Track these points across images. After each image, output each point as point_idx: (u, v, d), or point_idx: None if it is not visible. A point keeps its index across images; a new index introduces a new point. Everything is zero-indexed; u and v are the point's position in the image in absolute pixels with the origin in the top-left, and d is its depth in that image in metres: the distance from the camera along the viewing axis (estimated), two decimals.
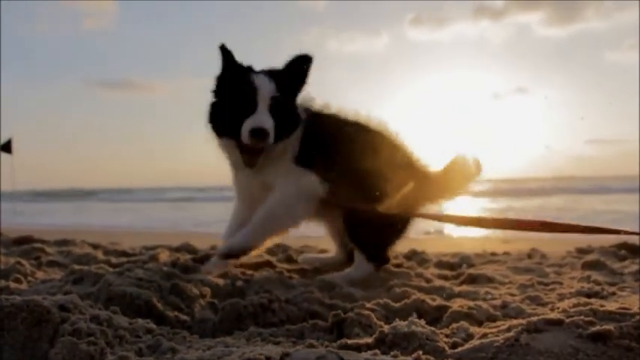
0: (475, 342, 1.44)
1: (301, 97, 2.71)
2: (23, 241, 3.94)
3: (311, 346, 1.47)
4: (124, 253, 3.58)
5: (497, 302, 2.06)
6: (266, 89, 2.52)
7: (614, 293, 2.12)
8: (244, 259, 2.85)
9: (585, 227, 1.76)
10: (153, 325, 1.71)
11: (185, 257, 3.06)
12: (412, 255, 3.41)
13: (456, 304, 1.96)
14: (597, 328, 1.40)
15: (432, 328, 1.52)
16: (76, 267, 2.40)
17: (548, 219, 1.84)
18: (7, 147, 10.69)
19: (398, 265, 3.00)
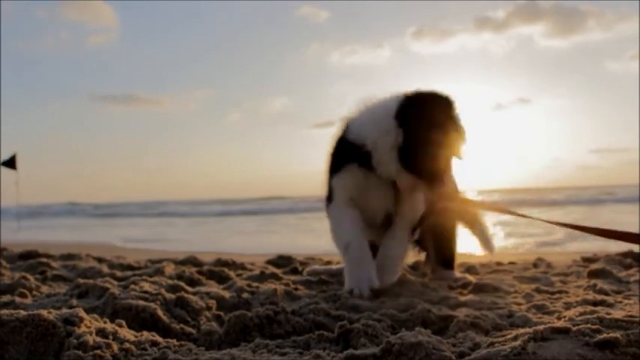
0: (482, 351, 1.43)
1: None
2: (28, 255, 3.95)
3: (317, 356, 1.46)
4: (129, 267, 3.59)
5: (504, 311, 2.06)
6: None
7: (620, 301, 2.11)
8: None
9: None
10: (159, 338, 1.70)
11: (190, 270, 3.07)
12: (418, 265, 3.41)
13: (462, 314, 1.95)
14: (604, 336, 1.39)
15: (439, 338, 1.52)
16: (81, 281, 2.40)
17: None
18: (11, 163, 10.73)
19: (404, 276, 3.00)
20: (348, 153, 2.57)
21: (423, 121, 2.42)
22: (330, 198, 2.68)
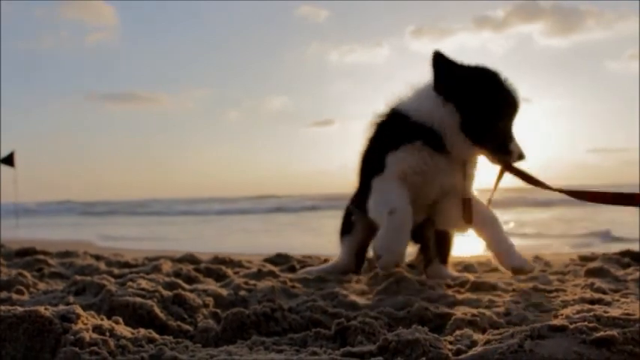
0: (479, 348, 1.43)
1: None
2: (25, 252, 3.95)
3: (314, 354, 1.46)
4: (127, 265, 3.59)
5: (501, 309, 2.06)
6: None
7: (617, 300, 2.11)
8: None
9: None
10: (155, 335, 1.70)
11: (188, 267, 3.07)
12: (415, 265, 3.40)
13: (459, 312, 1.95)
14: (601, 333, 1.39)
15: (436, 335, 1.52)
16: (78, 278, 2.40)
17: None
18: (9, 160, 10.71)
19: (401, 274, 2.99)
20: (409, 132, 2.58)
21: (485, 95, 2.50)
22: (375, 173, 2.66)
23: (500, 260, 2.62)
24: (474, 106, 2.51)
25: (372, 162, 2.73)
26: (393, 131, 2.66)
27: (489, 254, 2.75)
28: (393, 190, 2.58)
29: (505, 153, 2.58)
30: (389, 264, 2.47)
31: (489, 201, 2.76)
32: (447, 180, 2.66)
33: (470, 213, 2.65)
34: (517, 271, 2.61)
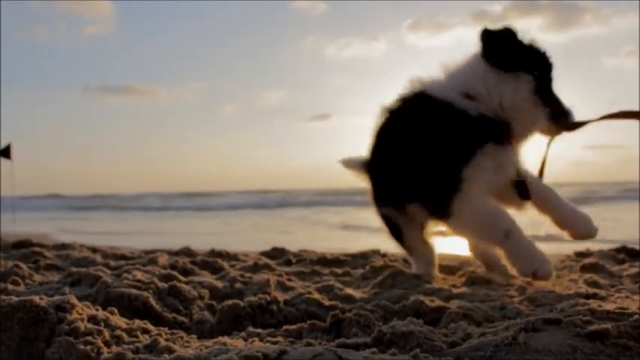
0: (473, 341, 1.43)
1: None
2: (22, 245, 3.95)
3: (309, 344, 1.47)
4: (123, 257, 3.58)
5: (496, 304, 2.06)
6: None
7: (612, 295, 2.12)
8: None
9: None
10: (150, 326, 1.70)
11: (184, 260, 3.07)
12: None
13: (455, 305, 1.95)
14: (595, 327, 1.39)
15: (431, 328, 1.52)
16: (74, 269, 2.40)
17: None
18: (6, 152, 10.68)
19: (396, 268, 3.00)
20: (473, 132, 2.31)
21: (538, 62, 2.41)
22: (451, 190, 2.32)
23: (568, 229, 2.48)
24: (541, 74, 2.40)
25: (430, 169, 2.37)
26: (452, 134, 2.32)
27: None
28: (496, 209, 2.37)
29: (566, 115, 2.48)
30: (547, 274, 2.29)
31: (541, 173, 2.59)
32: (514, 169, 2.43)
33: (527, 191, 2.46)
34: (584, 236, 2.46)
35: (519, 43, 2.41)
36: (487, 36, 2.39)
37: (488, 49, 2.39)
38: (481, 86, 2.36)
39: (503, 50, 2.38)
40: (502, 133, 2.34)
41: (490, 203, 2.36)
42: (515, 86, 2.34)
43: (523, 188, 2.46)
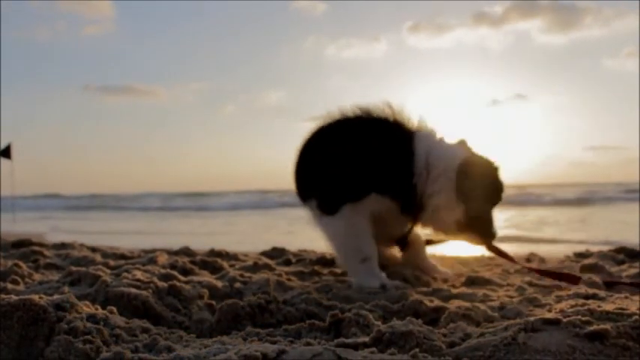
0: (472, 341, 1.44)
1: None
2: (21, 244, 3.94)
3: (308, 344, 1.47)
4: (123, 256, 3.58)
5: (496, 304, 2.06)
6: None
7: (611, 295, 2.12)
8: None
9: None
10: (150, 325, 1.70)
11: (184, 260, 3.06)
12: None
13: (454, 306, 1.95)
14: (594, 327, 1.40)
15: (430, 328, 1.52)
16: (74, 268, 2.40)
17: None
18: (6, 152, 10.67)
19: (397, 269, 3.00)
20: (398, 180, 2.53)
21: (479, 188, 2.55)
22: (349, 195, 2.51)
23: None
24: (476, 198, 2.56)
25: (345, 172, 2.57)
26: (389, 167, 2.56)
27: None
28: (366, 232, 2.56)
29: (492, 236, 2.69)
30: (387, 283, 2.45)
31: (429, 242, 2.98)
32: (399, 227, 2.73)
33: (405, 245, 2.87)
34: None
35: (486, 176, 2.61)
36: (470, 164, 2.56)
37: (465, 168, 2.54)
38: (434, 165, 2.52)
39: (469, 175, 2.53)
40: (411, 205, 2.55)
41: (367, 228, 2.53)
42: (449, 189, 2.51)
43: (403, 242, 2.84)
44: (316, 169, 2.68)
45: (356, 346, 1.45)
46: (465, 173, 2.50)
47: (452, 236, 2.75)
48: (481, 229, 2.64)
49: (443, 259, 3.43)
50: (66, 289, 2.14)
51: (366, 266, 2.48)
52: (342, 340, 1.50)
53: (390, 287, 2.38)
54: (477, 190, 2.53)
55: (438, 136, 2.64)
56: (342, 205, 2.50)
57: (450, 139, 2.66)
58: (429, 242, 3.00)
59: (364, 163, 2.52)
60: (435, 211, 2.55)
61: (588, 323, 1.44)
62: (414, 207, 2.55)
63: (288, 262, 3.39)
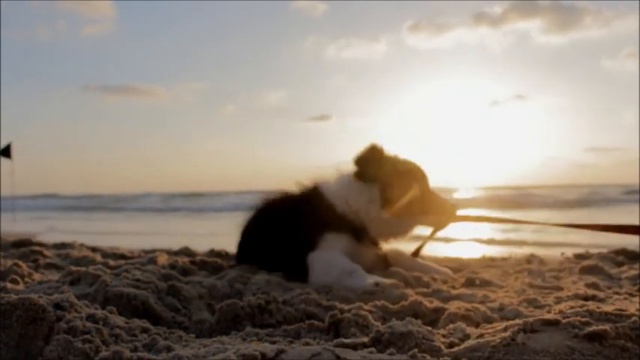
0: (472, 342, 1.43)
1: None
2: (21, 244, 3.94)
3: (307, 344, 1.47)
4: (123, 256, 3.59)
5: (495, 305, 2.06)
6: None
7: (610, 297, 2.12)
8: None
9: None
10: (149, 325, 1.70)
11: (184, 260, 3.06)
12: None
13: (454, 306, 1.95)
14: (593, 328, 1.39)
15: (429, 328, 1.52)
16: (74, 268, 2.39)
17: None
18: (6, 151, 10.67)
19: (396, 270, 3.00)
20: (338, 223, 2.84)
21: (390, 177, 2.85)
22: (311, 248, 2.76)
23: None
24: (385, 188, 2.85)
25: (303, 236, 2.81)
26: (322, 218, 2.85)
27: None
28: (342, 256, 2.73)
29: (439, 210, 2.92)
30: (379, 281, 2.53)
31: (416, 253, 3.18)
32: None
33: (387, 262, 3.03)
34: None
35: (382, 159, 2.90)
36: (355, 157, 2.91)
37: (356, 166, 2.93)
38: (351, 197, 2.89)
39: (364, 167, 2.90)
40: (357, 231, 2.86)
41: (341, 253, 2.74)
42: (367, 199, 2.86)
43: (385, 260, 3.04)
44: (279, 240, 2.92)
45: (355, 347, 1.45)
46: (360, 173, 2.89)
47: (406, 230, 2.97)
48: (424, 208, 2.88)
49: (444, 261, 3.44)
50: (66, 288, 2.14)
51: (355, 275, 2.56)
52: (341, 340, 1.50)
53: (382, 284, 2.42)
54: (378, 178, 2.85)
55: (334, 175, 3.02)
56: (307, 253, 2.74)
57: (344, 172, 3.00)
58: (416, 253, 3.18)
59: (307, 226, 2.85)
60: (371, 222, 2.86)
61: (587, 324, 1.43)
62: (361, 232, 2.87)
63: None
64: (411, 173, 2.90)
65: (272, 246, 2.92)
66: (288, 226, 2.89)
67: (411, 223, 2.92)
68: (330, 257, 2.70)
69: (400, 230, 2.94)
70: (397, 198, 2.80)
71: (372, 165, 2.87)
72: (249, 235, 3.15)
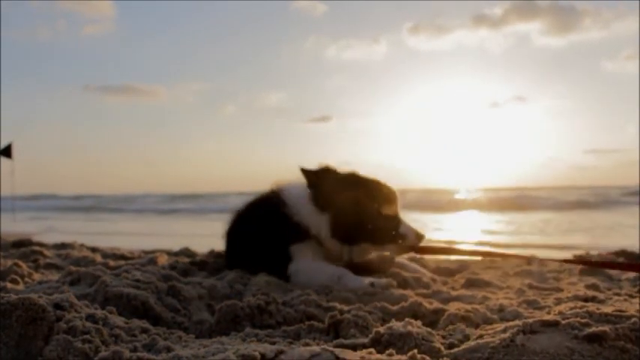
0: (471, 343, 1.44)
1: None
2: (21, 244, 3.95)
3: (306, 345, 1.47)
4: (123, 257, 3.59)
5: (495, 306, 2.06)
6: None
7: (610, 298, 2.12)
8: None
9: None
10: (149, 325, 1.70)
11: (184, 260, 3.07)
12: (411, 261, 3.41)
13: (453, 308, 1.95)
14: (593, 329, 1.39)
15: (428, 329, 1.52)
16: (74, 268, 2.39)
17: None
18: (7, 151, 10.66)
19: (396, 271, 3.00)
20: (299, 233, 2.75)
21: (344, 198, 2.71)
22: (286, 261, 2.73)
23: None
24: (338, 209, 2.71)
25: (271, 248, 2.79)
26: (285, 228, 2.79)
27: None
28: (323, 263, 2.70)
29: (395, 239, 2.72)
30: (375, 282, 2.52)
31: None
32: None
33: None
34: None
35: (334, 184, 2.76)
36: (306, 175, 2.79)
37: (309, 187, 2.80)
38: (305, 216, 2.77)
39: (314, 190, 2.78)
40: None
41: (320, 261, 2.72)
42: (318, 221, 2.74)
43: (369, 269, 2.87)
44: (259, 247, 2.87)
45: (355, 347, 1.45)
46: (311, 196, 2.77)
47: (359, 256, 2.80)
48: (383, 234, 2.71)
49: (444, 262, 3.44)
50: (66, 288, 2.14)
51: (345, 278, 2.55)
52: (340, 341, 1.50)
53: (378, 284, 2.43)
54: (328, 205, 2.73)
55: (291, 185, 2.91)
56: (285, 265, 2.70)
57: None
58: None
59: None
60: (326, 242, 2.74)
61: (587, 325, 1.43)
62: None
63: None
64: (367, 198, 2.75)
65: (247, 255, 2.88)
66: (256, 236, 2.88)
67: (363, 249, 2.78)
68: (310, 266, 2.67)
69: (353, 255, 2.79)
70: (346, 226, 2.70)
71: (322, 189, 2.76)
72: (227, 240, 3.12)
